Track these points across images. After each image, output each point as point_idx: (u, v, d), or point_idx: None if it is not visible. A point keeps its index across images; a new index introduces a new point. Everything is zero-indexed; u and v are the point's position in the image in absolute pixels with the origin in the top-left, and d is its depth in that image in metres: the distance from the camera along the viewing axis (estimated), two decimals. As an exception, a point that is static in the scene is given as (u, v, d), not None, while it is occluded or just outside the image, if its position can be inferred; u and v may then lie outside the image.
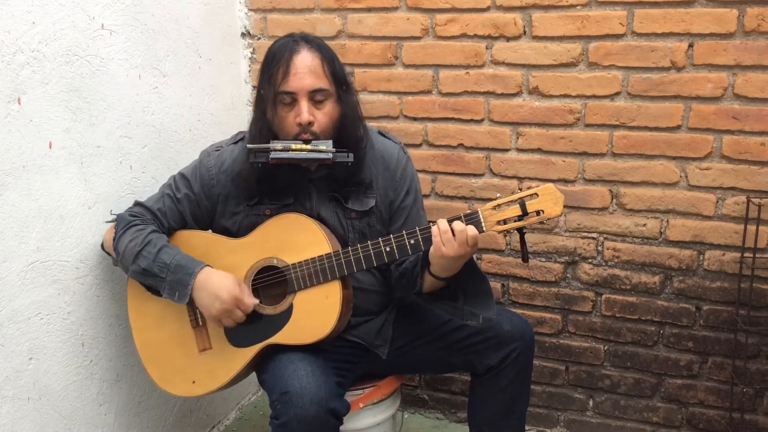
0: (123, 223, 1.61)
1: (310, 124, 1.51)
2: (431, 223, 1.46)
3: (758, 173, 1.87)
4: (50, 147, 1.56)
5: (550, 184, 1.43)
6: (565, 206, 2.04)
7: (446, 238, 1.42)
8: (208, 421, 2.25)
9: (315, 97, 1.51)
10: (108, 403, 1.80)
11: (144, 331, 1.66)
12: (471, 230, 1.41)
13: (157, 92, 1.91)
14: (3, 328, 1.48)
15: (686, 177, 1.94)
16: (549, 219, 1.44)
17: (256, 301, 1.55)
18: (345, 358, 1.66)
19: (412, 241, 1.48)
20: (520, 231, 1.47)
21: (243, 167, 1.59)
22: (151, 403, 1.96)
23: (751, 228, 1.86)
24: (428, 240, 1.46)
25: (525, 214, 1.43)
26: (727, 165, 1.90)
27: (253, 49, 2.31)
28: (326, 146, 1.49)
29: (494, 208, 1.44)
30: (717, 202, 1.92)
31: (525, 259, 1.50)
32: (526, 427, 1.78)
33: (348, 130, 1.57)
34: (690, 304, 2.01)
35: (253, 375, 1.70)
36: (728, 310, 1.97)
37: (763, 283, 1.92)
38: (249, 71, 2.34)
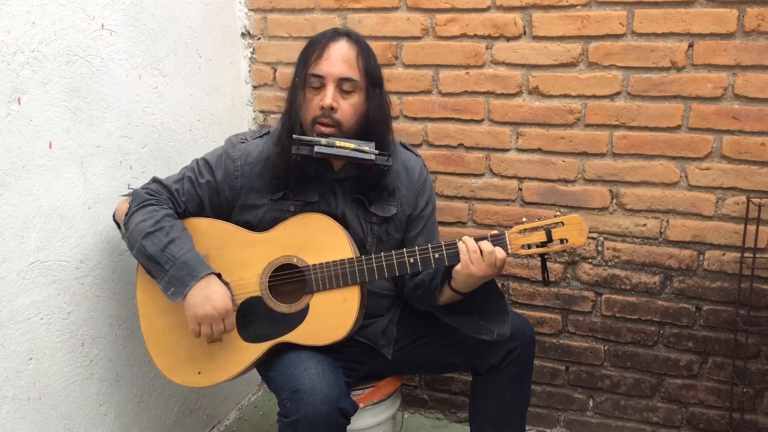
0: (138, 201, 1.58)
1: (332, 109, 1.51)
2: (456, 240, 1.48)
3: (758, 173, 1.87)
4: (50, 147, 1.56)
5: (577, 215, 1.48)
6: (566, 207, 2.05)
7: (475, 257, 1.44)
8: (208, 421, 2.25)
9: (343, 86, 1.52)
10: (108, 403, 1.80)
11: (152, 317, 1.62)
12: (500, 253, 1.44)
13: (157, 92, 1.91)
14: (3, 328, 1.48)
15: (686, 177, 1.94)
16: (572, 248, 1.46)
17: (233, 330, 1.54)
18: (351, 358, 1.66)
19: (437, 256, 1.49)
20: (543, 257, 1.50)
21: (278, 156, 1.57)
22: (151, 403, 1.96)
23: (751, 228, 1.86)
24: (453, 256, 1.48)
25: (549, 240, 1.46)
26: (727, 165, 1.90)
27: (253, 49, 2.31)
28: (369, 147, 1.51)
29: (520, 231, 1.48)
30: (717, 202, 1.92)
31: (546, 284, 1.53)
32: (526, 427, 1.78)
33: (374, 131, 1.56)
34: (690, 304, 2.01)
35: (255, 374, 1.69)
36: (728, 310, 1.97)
37: (763, 283, 1.92)
38: (249, 71, 2.33)
